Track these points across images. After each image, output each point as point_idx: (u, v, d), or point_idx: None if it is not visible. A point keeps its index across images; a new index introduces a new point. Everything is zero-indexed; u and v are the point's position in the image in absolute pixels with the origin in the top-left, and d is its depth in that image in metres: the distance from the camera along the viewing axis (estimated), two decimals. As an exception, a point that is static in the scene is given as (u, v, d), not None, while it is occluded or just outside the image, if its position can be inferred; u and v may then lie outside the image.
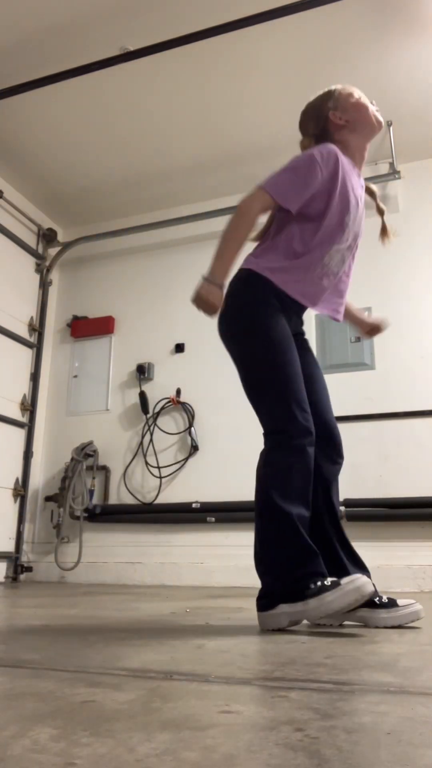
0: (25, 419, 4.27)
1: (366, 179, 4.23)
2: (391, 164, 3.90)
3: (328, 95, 1.90)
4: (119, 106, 3.65)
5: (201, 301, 1.64)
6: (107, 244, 4.67)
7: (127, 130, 3.86)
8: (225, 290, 1.68)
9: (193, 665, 1.03)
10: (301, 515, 1.57)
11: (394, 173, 3.89)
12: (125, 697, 0.79)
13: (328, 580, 1.47)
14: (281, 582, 1.53)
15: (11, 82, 3.34)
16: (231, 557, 3.57)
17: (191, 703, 0.76)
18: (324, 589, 1.45)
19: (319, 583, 1.47)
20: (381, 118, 1.90)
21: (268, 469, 1.63)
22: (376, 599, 1.58)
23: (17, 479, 4.14)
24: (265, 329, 1.71)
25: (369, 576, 1.62)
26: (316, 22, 3.03)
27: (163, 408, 4.12)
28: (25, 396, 4.31)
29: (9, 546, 3.99)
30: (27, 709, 0.73)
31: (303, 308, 1.90)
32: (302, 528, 1.55)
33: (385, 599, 1.59)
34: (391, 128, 3.78)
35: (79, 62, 3.20)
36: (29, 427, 4.28)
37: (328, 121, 1.86)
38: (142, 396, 4.16)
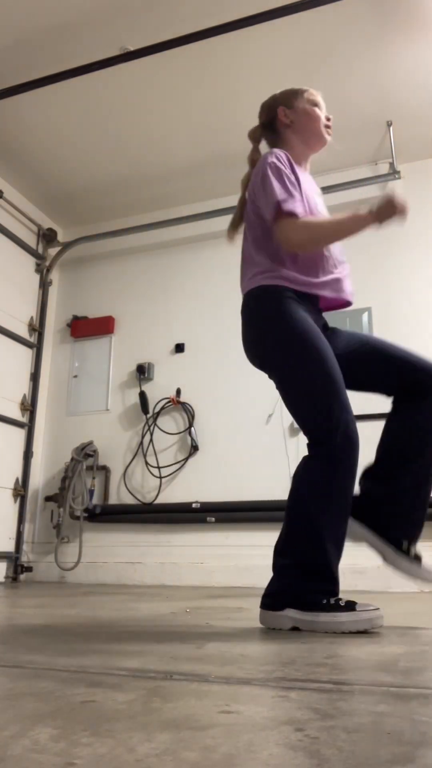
0: (25, 419, 4.27)
1: (366, 179, 4.24)
2: (391, 164, 3.90)
3: (292, 93, 1.92)
4: (119, 106, 3.65)
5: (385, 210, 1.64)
6: (107, 244, 4.67)
7: (127, 130, 3.86)
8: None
9: (193, 665, 1.03)
10: (334, 534, 1.59)
11: (394, 173, 3.89)
12: (125, 697, 0.79)
13: (342, 601, 1.51)
14: (294, 589, 1.54)
15: (11, 82, 3.34)
16: (231, 557, 3.57)
17: (191, 703, 0.76)
18: (338, 608, 1.48)
19: (332, 601, 1.50)
20: (327, 137, 1.88)
21: (306, 476, 1.63)
22: (404, 544, 1.65)
23: (17, 479, 4.14)
24: (293, 335, 1.66)
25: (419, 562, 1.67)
26: (315, 22, 3.03)
27: (163, 408, 4.12)
28: (25, 396, 4.31)
29: (9, 546, 3.99)
30: (27, 709, 0.73)
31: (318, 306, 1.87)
32: (330, 547, 1.57)
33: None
34: (391, 128, 3.78)
35: (79, 62, 3.20)
36: (29, 427, 4.28)
37: (276, 115, 1.88)
38: (142, 396, 4.16)
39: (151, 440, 4.07)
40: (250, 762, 0.55)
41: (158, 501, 3.90)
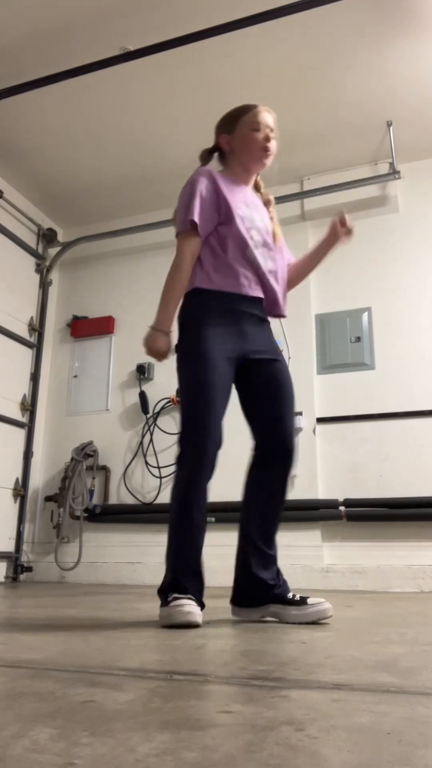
0: (25, 419, 4.27)
1: (366, 179, 4.24)
2: (391, 164, 3.90)
3: (233, 118, 1.99)
4: (119, 106, 3.65)
5: (148, 349, 1.81)
6: (107, 244, 4.67)
7: (127, 130, 3.86)
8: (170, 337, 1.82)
9: (193, 665, 1.03)
10: (190, 528, 1.76)
11: (394, 173, 3.89)
12: (125, 697, 0.79)
13: (170, 595, 1.62)
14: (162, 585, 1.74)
15: (11, 82, 3.34)
16: (231, 557, 3.55)
17: (191, 703, 0.76)
18: (164, 603, 1.62)
19: (169, 597, 1.62)
20: (265, 160, 1.97)
21: (174, 482, 1.83)
22: (289, 595, 1.74)
23: (17, 479, 4.14)
24: (192, 350, 1.82)
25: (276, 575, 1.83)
26: (315, 22, 3.03)
27: (163, 408, 4.12)
28: (25, 396, 4.31)
29: (9, 546, 3.99)
30: (27, 709, 0.73)
31: (255, 307, 1.90)
32: (188, 540, 1.75)
33: (297, 597, 1.73)
34: (391, 128, 3.78)
35: (79, 62, 3.20)
36: (29, 427, 4.28)
37: (218, 141, 2.01)
38: (142, 396, 4.16)
39: (151, 440, 4.07)
40: (250, 762, 0.55)
41: (158, 501, 3.90)
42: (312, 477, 3.63)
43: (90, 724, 0.66)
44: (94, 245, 4.71)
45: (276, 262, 1.94)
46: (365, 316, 3.87)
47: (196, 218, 1.79)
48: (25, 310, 4.43)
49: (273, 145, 1.94)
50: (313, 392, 3.78)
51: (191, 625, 1.52)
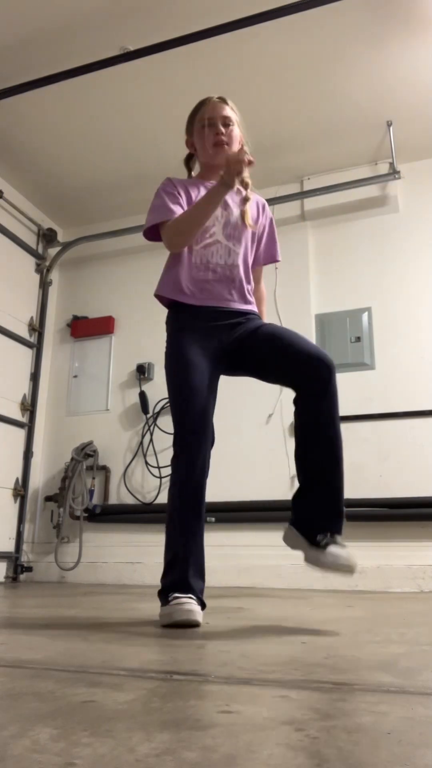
0: (25, 419, 4.27)
1: (366, 179, 4.24)
2: (391, 164, 3.90)
3: (190, 118, 2.03)
4: (119, 106, 3.65)
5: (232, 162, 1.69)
6: (107, 244, 4.67)
7: (128, 130, 3.86)
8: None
9: (193, 665, 1.03)
10: (181, 527, 1.76)
11: (394, 173, 3.89)
12: (125, 697, 0.79)
13: (171, 595, 1.59)
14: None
15: (11, 82, 3.34)
16: (231, 557, 3.57)
17: (191, 703, 0.76)
18: (164, 603, 1.60)
19: (170, 597, 1.60)
20: (216, 156, 1.90)
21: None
22: (319, 537, 1.63)
23: (17, 479, 4.14)
24: (170, 355, 1.93)
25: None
26: (315, 22, 3.03)
27: (163, 408, 4.12)
28: (25, 396, 4.31)
29: (9, 546, 3.99)
30: (27, 709, 0.73)
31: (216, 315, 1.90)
32: (180, 538, 1.74)
33: (324, 540, 1.61)
34: (391, 128, 3.78)
35: (79, 62, 3.20)
36: (29, 427, 4.28)
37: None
38: (142, 396, 4.16)
39: (151, 440, 4.07)
40: (250, 762, 0.55)
41: (158, 501, 3.90)
42: (312, 477, 3.63)
43: (90, 724, 0.66)
44: (94, 245, 4.71)
45: (239, 251, 1.90)
46: (365, 316, 3.87)
47: (166, 216, 1.85)
48: (25, 310, 4.43)
49: (229, 134, 1.90)
50: (313, 392, 3.78)
51: (191, 624, 1.51)
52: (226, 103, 1.96)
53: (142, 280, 4.53)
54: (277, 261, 2.08)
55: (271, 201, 4.19)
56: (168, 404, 4.07)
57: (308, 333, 3.90)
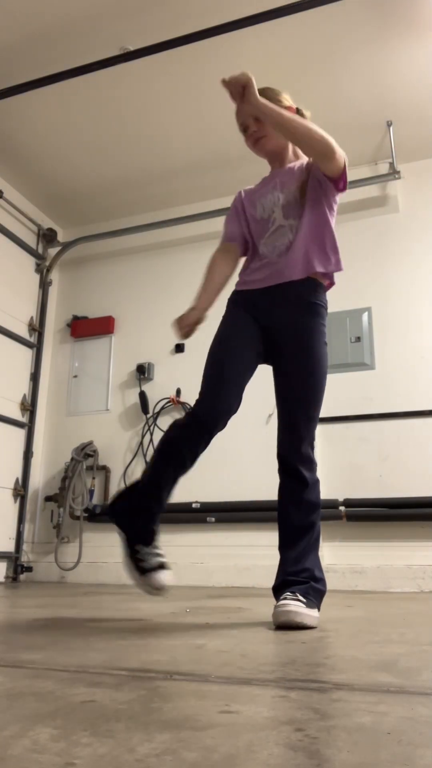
0: (25, 419, 4.27)
1: (366, 179, 4.24)
2: (391, 164, 3.90)
3: None
4: (119, 106, 3.65)
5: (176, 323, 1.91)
6: (107, 244, 4.67)
7: (127, 130, 3.86)
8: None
9: (193, 665, 1.03)
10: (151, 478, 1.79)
11: (394, 173, 3.89)
12: (125, 697, 0.79)
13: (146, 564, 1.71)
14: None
15: (11, 82, 3.34)
16: (231, 557, 3.57)
17: (191, 703, 0.76)
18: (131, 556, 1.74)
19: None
20: (256, 149, 2.00)
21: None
22: (283, 594, 1.65)
23: (17, 479, 4.14)
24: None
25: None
26: (315, 22, 3.03)
27: (163, 408, 4.12)
28: (25, 396, 4.30)
29: (9, 546, 3.99)
30: (27, 709, 0.73)
31: (265, 297, 1.90)
32: (149, 487, 1.78)
33: (282, 597, 1.62)
34: (391, 128, 3.78)
35: (79, 62, 3.20)
36: (29, 427, 4.28)
37: None
38: (142, 396, 4.16)
39: (151, 440, 4.07)
40: (250, 762, 0.55)
41: (158, 501, 3.89)
42: (312, 477, 3.63)
43: (90, 724, 0.66)
44: (94, 245, 4.71)
45: (295, 227, 1.91)
46: (365, 316, 3.87)
47: (221, 241, 2.03)
48: (25, 310, 4.43)
49: (260, 130, 1.91)
50: (313, 392, 3.78)
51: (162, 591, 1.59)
52: (243, 110, 1.91)
53: (142, 280, 4.53)
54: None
55: (271, 201, 4.19)
56: (168, 404, 4.10)
57: (308, 333, 3.89)
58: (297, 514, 1.78)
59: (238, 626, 1.64)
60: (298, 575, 1.69)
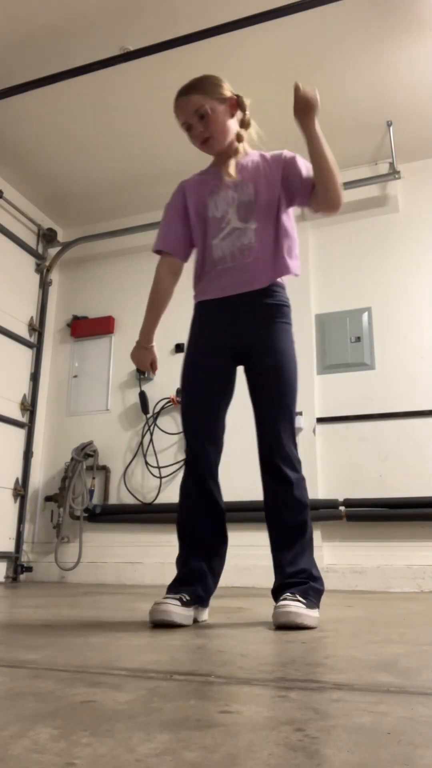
0: (25, 419, 4.27)
1: (366, 179, 4.23)
2: (391, 164, 3.90)
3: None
4: (119, 106, 3.65)
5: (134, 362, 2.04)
6: (107, 244, 4.67)
7: (127, 130, 3.86)
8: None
9: (193, 665, 1.03)
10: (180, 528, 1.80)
11: (394, 173, 3.89)
12: (125, 697, 0.79)
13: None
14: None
15: (11, 82, 3.34)
16: (231, 557, 3.54)
17: (191, 703, 0.76)
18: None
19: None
20: (203, 148, 1.92)
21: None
22: (282, 595, 1.63)
23: (17, 479, 4.14)
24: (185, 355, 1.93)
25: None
26: (315, 22, 3.03)
27: (163, 408, 4.12)
28: (25, 396, 4.30)
29: (9, 546, 3.99)
30: (27, 709, 0.73)
31: (228, 307, 1.84)
32: (183, 540, 1.80)
33: (281, 597, 1.63)
34: (391, 128, 3.78)
35: (79, 62, 3.20)
36: (29, 427, 4.28)
37: None
38: (142, 396, 4.16)
39: (151, 440, 4.07)
40: (250, 762, 0.55)
41: (158, 501, 3.90)
42: (312, 477, 3.63)
43: (90, 724, 0.66)
44: (94, 245, 4.71)
45: (254, 231, 1.80)
46: (365, 316, 3.87)
47: (159, 246, 1.94)
48: (25, 310, 4.43)
49: (202, 131, 1.82)
50: (313, 392, 3.78)
51: (165, 624, 1.53)
52: (191, 93, 1.80)
53: (142, 280, 4.52)
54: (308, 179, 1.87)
55: (271, 201, 4.19)
56: (168, 404, 4.10)
57: (308, 333, 3.90)
58: (287, 513, 1.75)
59: (238, 626, 1.64)
60: (297, 576, 1.68)
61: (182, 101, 1.81)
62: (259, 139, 1.91)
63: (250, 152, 1.92)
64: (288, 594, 1.61)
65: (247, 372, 1.85)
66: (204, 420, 1.81)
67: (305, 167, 1.87)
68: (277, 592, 1.69)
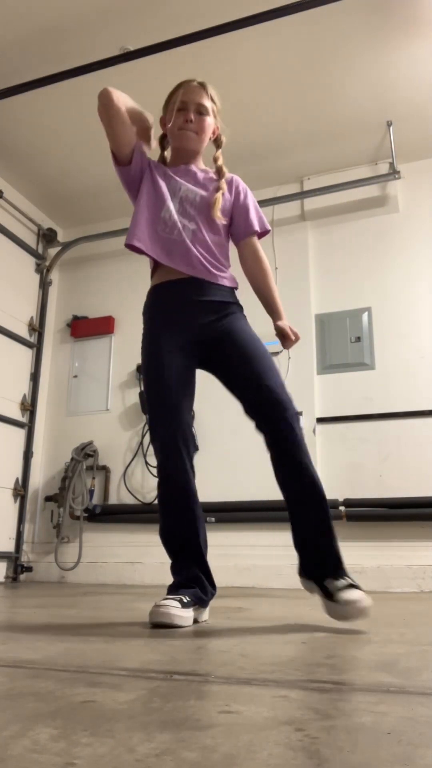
0: (25, 419, 4.27)
1: (366, 179, 4.23)
2: (391, 164, 3.90)
3: (168, 98, 2.03)
4: (119, 106, 3.65)
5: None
6: (107, 244, 4.67)
7: (127, 130, 3.86)
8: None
9: (193, 665, 1.03)
10: (171, 532, 1.76)
11: (394, 173, 3.89)
12: (125, 697, 0.79)
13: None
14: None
15: (11, 82, 3.34)
16: (231, 557, 3.57)
17: (191, 703, 0.76)
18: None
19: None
20: (184, 137, 1.90)
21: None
22: (328, 581, 1.56)
23: (17, 479, 4.14)
24: (142, 349, 1.88)
25: None
26: (315, 22, 3.03)
27: (163, 408, 4.11)
28: (25, 396, 4.30)
29: (9, 546, 3.99)
30: (27, 709, 0.73)
31: (190, 286, 1.84)
32: (172, 544, 1.76)
33: (334, 585, 1.54)
34: (391, 128, 3.78)
35: (79, 62, 3.20)
36: (29, 427, 4.28)
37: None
38: (142, 396, 4.16)
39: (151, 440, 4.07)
40: (250, 762, 0.55)
41: (158, 501, 3.90)
42: (312, 477, 3.63)
43: (90, 724, 0.66)
44: (94, 245, 4.71)
45: (203, 232, 1.84)
46: (365, 316, 3.87)
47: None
48: (25, 310, 4.43)
49: (198, 123, 1.87)
50: (313, 392, 3.78)
51: (165, 626, 1.51)
52: (205, 90, 1.88)
53: (142, 280, 4.51)
54: (257, 232, 1.93)
55: (271, 201, 4.19)
56: (168, 404, 4.10)
57: (308, 333, 3.90)
58: (308, 472, 1.69)
59: (238, 626, 1.64)
60: (335, 554, 1.61)
61: (194, 86, 1.89)
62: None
63: (210, 171, 1.98)
64: (341, 580, 1.55)
65: (218, 362, 1.87)
66: (177, 419, 1.86)
67: (256, 215, 1.95)
68: (318, 570, 1.61)
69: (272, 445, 1.72)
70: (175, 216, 1.84)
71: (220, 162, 1.94)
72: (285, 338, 1.85)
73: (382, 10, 3.01)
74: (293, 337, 1.85)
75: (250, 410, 1.76)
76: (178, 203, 1.86)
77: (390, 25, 3.09)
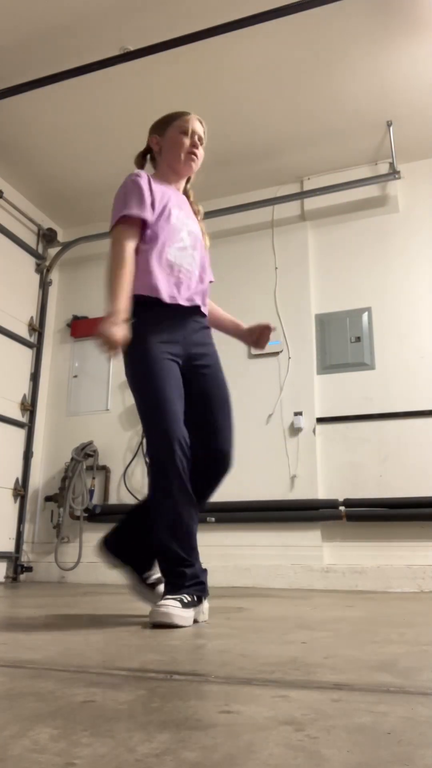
0: (25, 419, 4.27)
1: (366, 179, 4.24)
2: (391, 164, 3.90)
3: (165, 121, 2.05)
4: (119, 106, 3.65)
5: (105, 338, 1.70)
6: (107, 244, 4.65)
7: (127, 130, 3.86)
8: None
9: (193, 665, 1.03)
10: (187, 525, 1.78)
11: (394, 173, 3.89)
12: (125, 697, 0.79)
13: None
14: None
15: (11, 82, 3.34)
16: (231, 557, 3.57)
17: (191, 703, 0.76)
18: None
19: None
20: (191, 163, 2.02)
21: (151, 492, 1.79)
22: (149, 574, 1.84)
23: (17, 479, 4.14)
24: (137, 363, 1.83)
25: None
26: (316, 22, 3.03)
27: (163, 408, 4.11)
28: (25, 396, 4.30)
29: (9, 546, 3.99)
30: (27, 709, 0.73)
31: (186, 314, 1.90)
32: (188, 540, 1.77)
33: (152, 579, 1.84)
34: (391, 128, 3.78)
35: (79, 62, 3.20)
36: (29, 427, 4.28)
37: (149, 143, 2.09)
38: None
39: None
40: (250, 762, 0.55)
41: (158, 501, 3.90)
42: (312, 477, 3.63)
43: (90, 724, 0.66)
44: (94, 245, 4.71)
45: (202, 269, 1.97)
46: (365, 316, 3.87)
47: (133, 211, 1.85)
48: (25, 310, 4.43)
49: (200, 152, 2.02)
50: (313, 392, 3.78)
51: (165, 626, 1.53)
52: (203, 125, 2.05)
53: (142, 280, 4.53)
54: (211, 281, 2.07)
55: (271, 201, 4.19)
56: (168, 404, 4.09)
57: (308, 333, 3.90)
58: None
59: (238, 626, 1.64)
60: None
61: (198, 119, 2.03)
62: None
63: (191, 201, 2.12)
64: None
65: (197, 385, 1.93)
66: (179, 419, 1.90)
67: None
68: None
69: (201, 472, 1.87)
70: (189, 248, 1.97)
71: (193, 198, 2.13)
72: (261, 331, 2.00)
73: (382, 10, 3.01)
74: (268, 324, 1.99)
75: (199, 443, 1.86)
76: (186, 235, 1.97)
77: (390, 25, 3.09)
